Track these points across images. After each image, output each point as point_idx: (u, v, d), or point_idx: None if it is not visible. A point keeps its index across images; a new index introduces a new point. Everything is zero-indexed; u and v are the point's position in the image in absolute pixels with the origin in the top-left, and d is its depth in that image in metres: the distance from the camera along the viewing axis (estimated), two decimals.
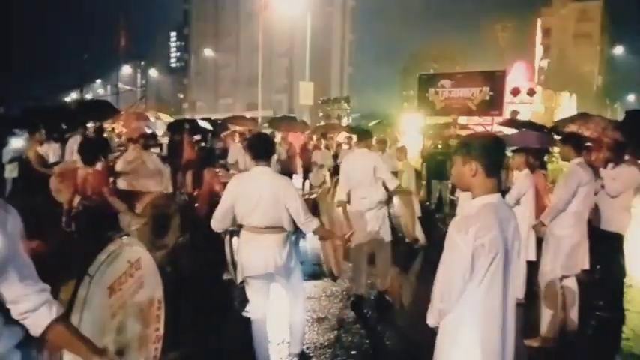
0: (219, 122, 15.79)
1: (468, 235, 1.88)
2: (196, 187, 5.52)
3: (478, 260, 1.90)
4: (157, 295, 2.38)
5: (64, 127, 10.98)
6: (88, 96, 41.99)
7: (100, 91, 51.94)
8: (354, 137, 11.68)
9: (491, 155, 2.03)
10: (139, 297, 2.23)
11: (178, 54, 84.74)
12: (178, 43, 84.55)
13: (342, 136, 14.93)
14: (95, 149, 4.91)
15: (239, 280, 3.60)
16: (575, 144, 4.36)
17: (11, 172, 8.73)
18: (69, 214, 4.80)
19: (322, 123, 21.22)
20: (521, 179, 5.13)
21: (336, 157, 11.93)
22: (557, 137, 8.01)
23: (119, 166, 5.94)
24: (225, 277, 5.12)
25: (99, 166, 4.87)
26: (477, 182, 2.02)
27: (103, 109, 12.69)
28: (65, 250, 2.05)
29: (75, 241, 2.25)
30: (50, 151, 9.13)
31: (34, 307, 1.60)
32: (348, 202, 5.10)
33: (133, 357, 2.17)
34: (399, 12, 57.43)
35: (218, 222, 3.54)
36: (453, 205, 9.64)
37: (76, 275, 1.87)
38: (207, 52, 57.96)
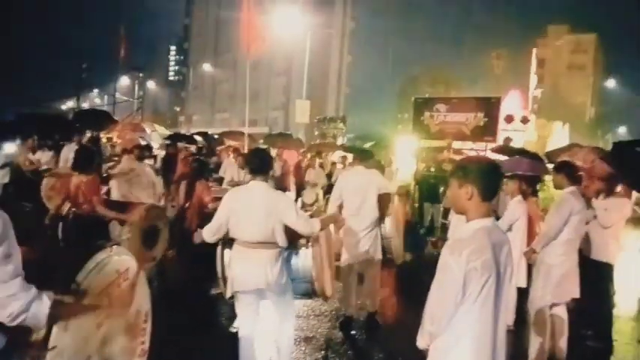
0: (215, 137, 15.82)
1: (461, 257, 1.88)
2: (188, 200, 5.47)
3: (470, 283, 1.89)
4: (144, 308, 2.35)
5: (58, 135, 10.95)
6: (85, 105, 41.98)
7: (97, 100, 51.92)
8: (349, 157, 11.74)
9: (487, 180, 2.04)
10: (128, 310, 2.21)
11: (177, 67, 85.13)
12: (177, 56, 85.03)
13: (336, 156, 14.98)
14: (90, 158, 4.89)
15: (229, 294, 3.56)
16: (569, 172, 4.39)
17: (2, 177, 8.65)
18: (54, 219, 4.75)
19: (317, 142, 21.29)
20: (513, 205, 5.15)
21: (330, 176, 11.94)
22: (550, 165, 8.07)
23: (114, 176, 5.92)
24: (214, 291, 5.07)
25: (92, 174, 4.84)
26: (471, 205, 2.03)
27: (101, 119, 12.69)
28: (52, 257, 2.02)
29: (62, 248, 2.21)
30: (43, 158, 9.09)
31: (25, 307, 1.58)
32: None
33: None
34: (397, 36, 58.21)
35: (212, 234, 3.53)
36: (445, 228, 9.64)
37: (63, 283, 1.84)
38: (206, 67, 58.25)
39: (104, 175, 6.53)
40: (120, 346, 2.15)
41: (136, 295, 2.26)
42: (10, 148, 9.10)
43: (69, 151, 8.66)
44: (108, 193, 6.31)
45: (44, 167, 8.54)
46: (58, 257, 2.00)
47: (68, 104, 42.69)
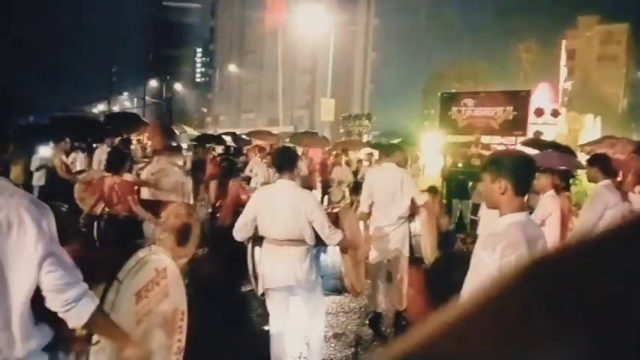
0: (242, 137, 15.97)
1: (495, 252, 1.85)
2: (220, 198, 5.55)
3: None
4: (180, 307, 2.40)
5: (90, 137, 11.23)
6: (115, 108, 42.91)
7: (127, 103, 53.03)
8: (375, 154, 11.68)
9: (522, 173, 2.01)
10: (164, 306, 2.24)
11: (203, 69, 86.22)
12: (203, 58, 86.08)
13: (362, 153, 14.94)
14: (122, 159, 5.00)
15: (260, 291, 3.61)
16: (603, 165, 4.28)
17: (38, 179, 8.94)
18: (89, 220, 4.88)
19: (343, 139, 21.27)
20: (546, 200, 5.04)
21: (356, 173, 11.91)
22: (583, 158, 7.88)
23: (143, 177, 6.03)
24: (245, 288, 5.13)
25: (126, 175, 4.95)
26: (505, 200, 1.99)
27: (131, 122, 12.97)
28: (91, 257, 2.08)
29: (100, 248, 2.28)
30: (77, 160, 9.34)
31: (78, 297, 1.63)
32: (369, 216, 5.07)
33: None
34: (422, 32, 57.64)
35: (239, 232, 3.59)
36: (474, 224, 9.51)
37: (101, 281, 1.89)
38: (232, 68, 58.83)
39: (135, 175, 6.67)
40: (158, 343, 2.19)
41: (173, 293, 2.31)
42: (45, 151, 9.40)
43: (101, 153, 8.88)
44: (137, 192, 6.44)
45: (78, 169, 8.78)
46: (96, 257, 2.05)
47: (99, 107, 43.74)
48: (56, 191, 7.74)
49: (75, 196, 6.85)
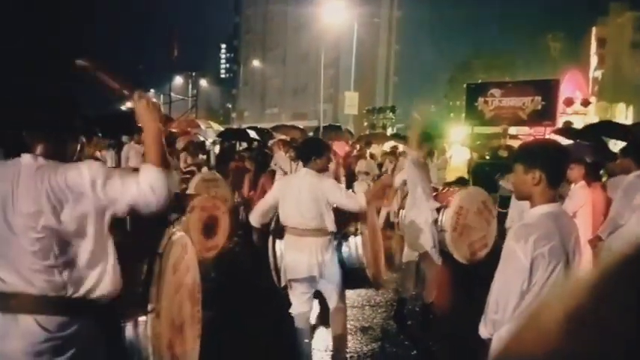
0: (267, 131, 16.07)
1: (527, 244, 1.80)
2: (252, 190, 5.61)
3: (537, 271, 1.82)
4: (197, 279, 2.57)
5: (121, 134, 11.42)
6: None
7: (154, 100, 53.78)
8: (400, 146, 11.58)
9: (556, 164, 1.95)
10: (188, 279, 2.40)
11: (228, 65, 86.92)
12: (228, 54, 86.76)
13: (387, 146, 14.83)
14: None
15: (282, 283, 3.64)
16: (637, 155, 4.15)
17: None
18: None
19: (367, 132, 21.17)
20: (577, 192, 4.92)
21: (381, 166, 11.84)
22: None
23: (196, 181, 6.09)
24: (269, 281, 5.17)
25: None
26: (538, 191, 1.93)
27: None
28: (127, 243, 2.21)
29: (132, 234, 2.47)
30: (107, 157, 9.52)
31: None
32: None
33: (188, 333, 2.36)
34: (446, 22, 56.82)
35: (257, 217, 3.70)
36: (502, 218, 9.36)
37: (143, 259, 2.05)
38: (256, 63, 59.12)
39: None
40: (187, 312, 2.38)
41: (192, 267, 2.47)
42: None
43: (129, 150, 9.04)
44: None
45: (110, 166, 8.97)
46: (132, 242, 2.18)
47: (127, 105, 44.55)
48: None
49: None
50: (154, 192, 1.71)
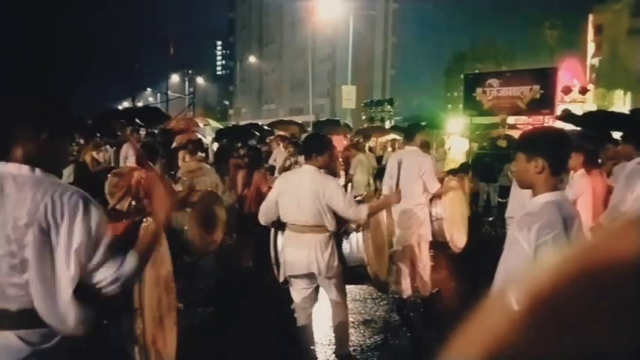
0: (265, 127, 16.05)
1: (531, 232, 1.78)
2: (246, 188, 5.58)
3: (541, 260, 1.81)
4: (170, 268, 2.61)
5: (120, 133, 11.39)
6: (139, 104, 43.56)
7: (151, 99, 53.76)
8: (399, 139, 11.56)
9: (559, 151, 1.93)
10: (163, 271, 2.45)
11: (224, 62, 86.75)
12: (224, 51, 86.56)
13: (386, 139, 14.82)
14: (154, 152, 5.08)
15: (282, 279, 3.63)
16: (637, 142, 4.13)
17: (67, 176, 9.11)
18: (111, 212, 4.94)
19: (365, 126, 21.14)
20: (577, 180, 4.90)
21: (380, 159, 11.83)
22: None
23: (180, 173, 6.04)
24: (269, 277, 5.16)
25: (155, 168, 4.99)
26: (541, 179, 1.91)
27: (153, 116, 13.12)
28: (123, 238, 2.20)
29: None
30: (106, 156, 9.50)
31: (123, 276, 1.74)
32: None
33: (167, 323, 2.39)
34: (442, 13, 56.62)
35: (263, 215, 3.67)
36: (502, 208, 9.36)
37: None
38: (252, 60, 58.99)
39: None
40: (165, 303, 2.42)
41: (166, 257, 2.51)
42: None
43: (127, 149, 9.01)
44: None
45: (109, 165, 8.93)
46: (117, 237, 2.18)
47: (124, 104, 44.42)
48: (85, 187, 7.89)
49: (105, 191, 6.95)
50: (124, 284, 1.74)
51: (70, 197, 1.66)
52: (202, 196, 4.96)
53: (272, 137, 13.18)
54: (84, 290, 1.67)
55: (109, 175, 7.28)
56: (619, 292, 0.28)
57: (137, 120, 12.25)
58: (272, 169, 9.14)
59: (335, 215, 3.48)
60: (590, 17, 51.58)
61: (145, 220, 2.29)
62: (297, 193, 3.45)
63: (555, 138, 1.99)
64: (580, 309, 0.28)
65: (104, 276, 1.69)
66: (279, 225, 3.70)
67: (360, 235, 3.70)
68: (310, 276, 3.56)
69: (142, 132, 11.79)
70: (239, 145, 10.16)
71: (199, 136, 12.28)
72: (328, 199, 3.40)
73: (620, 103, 28.23)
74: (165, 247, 2.47)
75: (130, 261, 1.76)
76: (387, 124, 21.22)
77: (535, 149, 1.93)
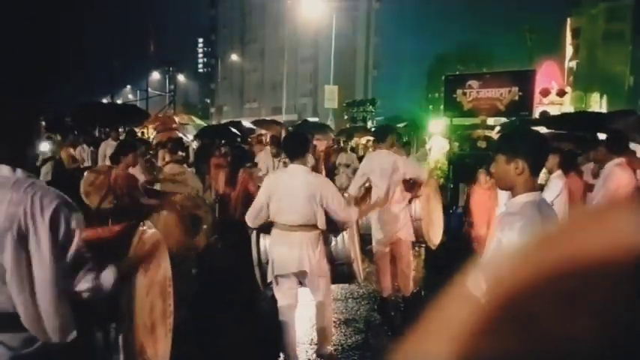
0: (249, 127, 15.96)
1: (512, 232, 1.81)
2: (229, 187, 5.48)
3: None
4: (168, 273, 2.55)
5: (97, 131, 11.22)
6: (119, 102, 42.95)
7: (130, 96, 53.04)
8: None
9: (539, 153, 1.97)
10: (159, 276, 2.38)
11: (205, 59, 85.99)
12: (205, 48, 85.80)
13: (366, 139, 14.88)
14: (121, 150, 5.00)
15: (269, 279, 3.61)
16: (613, 144, 4.23)
17: (45, 175, 8.95)
18: (96, 217, 4.87)
19: (347, 126, 21.18)
20: (553, 181, 4.99)
21: (362, 159, 11.86)
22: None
23: (161, 176, 5.95)
24: (251, 277, 5.13)
25: (133, 170, 4.93)
26: (521, 181, 1.95)
27: (132, 114, 12.94)
28: (98, 244, 2.14)
29: (111, 232, 2.42)
30: (83, 154, 9.34)
31: (101, 286, 1.73)
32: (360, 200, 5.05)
33: (159, 331, 2.32)
34: (424, 14, 57.03)
35: (253, 219, 3.58)
36: None
37: (114, 261, 1.96)
38: (234, 58, 58.59)
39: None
40: (159, 310, 2.35)
41: (163, 263, 2.44)
42: (46, 146, 9.39)
43: (106, 147, 8.88)
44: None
45: (84, 165, 8.78)
46: (104, 242, 2.12)
47: (103, 101, 43.75)
48: (62, 186, 7.74)
49: (80, 191, 6.83)
50: (99, 293, 1.72)
51: (50, 201, 1.63)
52: (187, 200, 4.91)
53: (253, 136, 13.12)
54: (65, 296, 1.64)
55: (85, 173, 7.18)
56: (576, 286, 0.27)
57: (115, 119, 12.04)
58: (255, 166, 9.07)
59: (325, 214, 3.48)
60: (568, 21, 52.64)
61: (142, 224, 2.25)
62: (290, 193, 3.41)
63: (535, 140, 2.03)
64: (537, 302, 0.28)
65: (83, 283, 1.67)
66: (261, 226, 3.67)
67: (345, 233, 3.70)
68: (298, 275, 3.55)
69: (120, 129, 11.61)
70: (222, 142, 10.09)
71: (179, 134, 12.16)
72: (325, 200, 3.40)
73: (597, 105, 28.80)
74: (162, 250, 2.41)
75: (109, 275, 1.73)
76: (369, 124, 21.30)
77: (515, 151, 1.96)
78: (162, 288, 2.43)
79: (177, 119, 16.88)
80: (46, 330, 1.60)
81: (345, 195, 4.85)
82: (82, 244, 1.69)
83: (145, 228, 2.26)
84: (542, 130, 10.13)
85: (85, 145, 9.75)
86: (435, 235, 5.57)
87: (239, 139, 12.93)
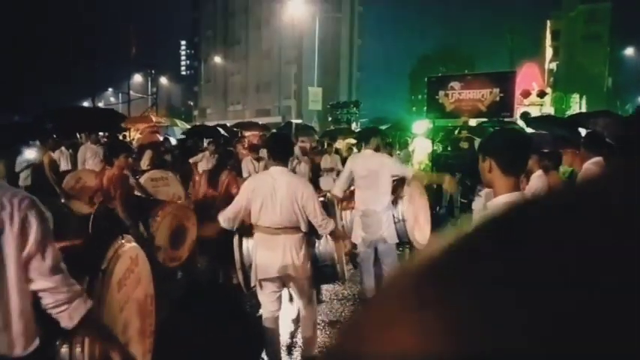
0: (234, 129, 15.89)
1: None
2: (211, 188, 5.40)
3: None
4: (149, 291, 2.47)
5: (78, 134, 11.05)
6: (100, 104, 42.39)
7: (112, 99, 52.40)
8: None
9: (505, 151, 1.98)
10: (138, 293, 2.30)
11: (188, 62, 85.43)
12: (188, 51, 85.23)
13: (349, 141, 14.90)
14: (124, 149, 4.96)
15: (253, 283, 3.58)
16: (590, 144, 4.29)
17: (24, 180, 8.79)
18: (77, 221, 4.82)
19: (332, 127, 21.19)
20: (533, 181, 5.04)
21: (345, 161, 11.88)
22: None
23: (143, 180, 5.87)
24: (235, 281, 5.10)
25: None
26: (494, 179, 1.98)
27: (111, 118, 12.76)
28: (75, 251, 2.08)
29: (88, 241, 2.33)
30: (61, 159, 9.19)
31: (70, 299, 1.66)
32: (344, 202, 5.05)
33: (134, 350, 2.24)
34: (407, 17, 57.40)
35: (229, 220, 3.51)
36: (464, 208, 9.55)
37: (87, 273, 1.93)
38: (217, 60, 58.29)
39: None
40: (135, 329, 2.26)
41: (143, 279, 2.37)
42: (31, 153, 9.23)
43: (85, 151, 8.75)
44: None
45: (63, 169, 8.64)
46: (79, 250, 2.06)
47: (84, 105, 43.17)
48: (43, 190, 7.62)
49: (62, 198, 6.72)
50: (62, 319, 1.69)
51: (20, 201, 1.62)
52: (176, 210, 4.85)
53: (236, 139, 13.06)
54: (27, 295, 1.62)
55: (65, 178, 7.07)
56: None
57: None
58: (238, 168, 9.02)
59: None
60: (548, 23, 53.47)
61: (121, 237, 2.19)
62: (272, 195, 3.38)
63: (500, 138, 2.09)
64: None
65: (46, 289, 1.64)
66: (244, 230, 3.64)
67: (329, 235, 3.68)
68: (282, 278, 3.52)
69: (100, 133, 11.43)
70: (208, 142, 10.02)
71: (161, 138, 12.04)
72: (305, 202, 3.38)
73: (577, 106, 29.29)
74: (143, 266, 2.33)
75: (80, 303, 1.70)
76: (354, 126, 21.35)
77: (485, 150, 2.02)
78: (141, 306, 2.34)
79: (161, 120, 16.72)
80: (12, 337, 1.56)
81: (328, 195, 4.85)
82: (53, 247, 1.66)
83: (123, 242, 2.19)
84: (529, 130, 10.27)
85: (63, 148, 9.60)
86: (422, 236, 5.56)
87: (223, 141, 12.87)
